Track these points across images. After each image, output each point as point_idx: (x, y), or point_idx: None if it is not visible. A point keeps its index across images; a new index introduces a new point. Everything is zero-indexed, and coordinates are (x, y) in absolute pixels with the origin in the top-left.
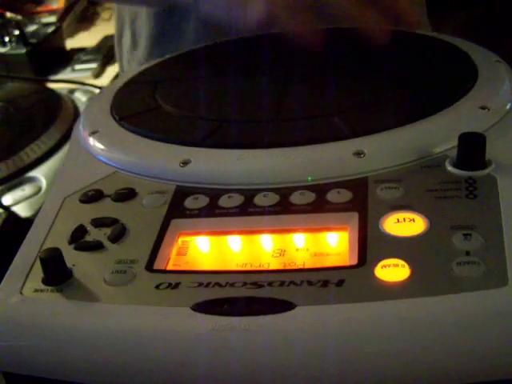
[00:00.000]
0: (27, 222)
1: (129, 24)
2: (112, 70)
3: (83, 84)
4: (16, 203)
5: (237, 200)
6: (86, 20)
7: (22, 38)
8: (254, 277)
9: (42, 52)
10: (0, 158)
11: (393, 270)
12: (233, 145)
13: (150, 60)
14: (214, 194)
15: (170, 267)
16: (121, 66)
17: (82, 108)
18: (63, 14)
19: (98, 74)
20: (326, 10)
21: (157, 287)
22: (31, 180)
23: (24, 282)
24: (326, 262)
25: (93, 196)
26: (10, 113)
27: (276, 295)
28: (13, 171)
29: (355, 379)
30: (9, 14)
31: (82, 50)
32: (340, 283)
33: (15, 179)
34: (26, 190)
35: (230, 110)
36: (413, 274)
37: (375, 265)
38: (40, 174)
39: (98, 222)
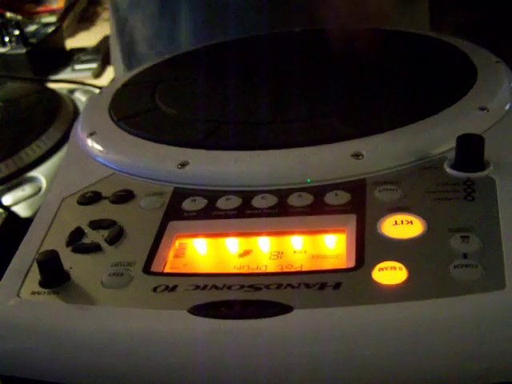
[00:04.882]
0: (27, 222)
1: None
2: (112, 70)
3: (83, 84)
4: (16, 203)
5: (235, 202)
6: (86, 20)
7: (22, 38)
8: (251, 279)
9: (42, 52)
10: (0, 158)
11: (390, 273)
12: (231, 146)
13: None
14: (212, 196)
15: (167, 270)
16: (115, 70)
17: (81, 108)
18: (63, 14)
19: (97, 73)
20: None
21: (154, 290)
22: (31, 180)
23: (21, 285)
24: (323, 264)
25: (91, 198)
26: (9, 113)
27: (273, 298)
28: (13, 171)
29: (353, 382)
30: (9, 14)
31: (82, 50)
32: (337, 286)
33: (15, 179)
34: (26, 189)
35: (228, 111)
36: (410, 276)
37: (373, 267)
38: (40, 173)
39: (96, 224)
